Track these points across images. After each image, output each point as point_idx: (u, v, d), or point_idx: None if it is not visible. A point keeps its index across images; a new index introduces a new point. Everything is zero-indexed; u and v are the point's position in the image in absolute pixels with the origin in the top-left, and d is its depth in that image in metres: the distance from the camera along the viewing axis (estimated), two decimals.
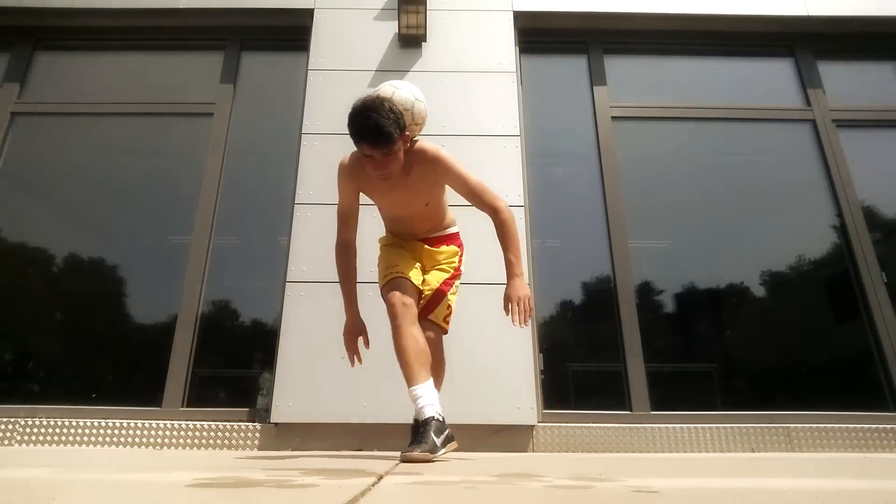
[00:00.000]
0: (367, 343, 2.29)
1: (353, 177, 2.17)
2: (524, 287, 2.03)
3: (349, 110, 1.99)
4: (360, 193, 2.23)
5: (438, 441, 1.82)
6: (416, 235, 2.34)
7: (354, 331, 2.27)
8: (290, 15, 4.08)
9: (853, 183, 3.81)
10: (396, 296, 2.05)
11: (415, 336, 2.00)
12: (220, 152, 3.81)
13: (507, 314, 2.02)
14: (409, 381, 1.96)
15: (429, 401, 1.91)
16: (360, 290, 2.33)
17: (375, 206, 2.41)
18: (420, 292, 2.14)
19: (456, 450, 1.94)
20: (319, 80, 3.80)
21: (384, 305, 2.16)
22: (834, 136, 3.96)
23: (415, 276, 2.16)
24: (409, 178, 2.12)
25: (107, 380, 3.45)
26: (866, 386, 3.40)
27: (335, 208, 2.31)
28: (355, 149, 2.07)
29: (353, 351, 2.27)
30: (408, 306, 2.04)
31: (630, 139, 3.97)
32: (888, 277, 3.56)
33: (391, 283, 2.09)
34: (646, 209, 3.80)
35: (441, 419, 1.88)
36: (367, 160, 2.02)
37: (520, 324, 1.99)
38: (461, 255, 2.42)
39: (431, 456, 1.78)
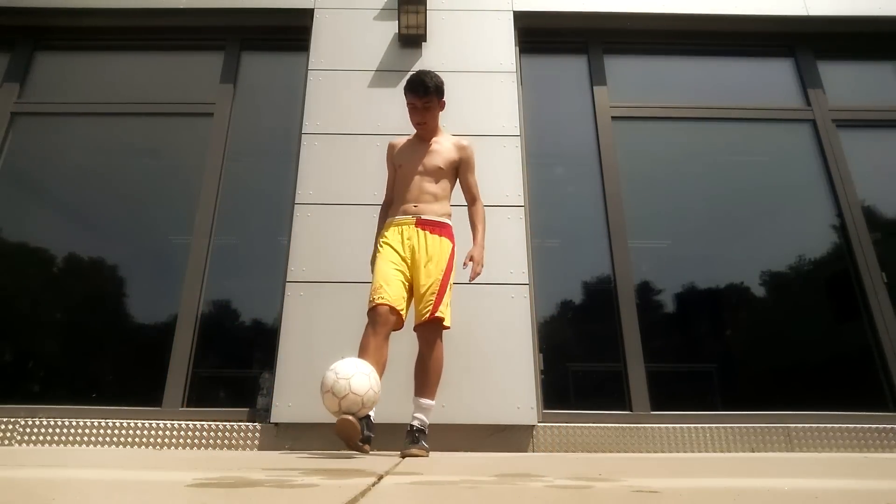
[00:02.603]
0: None
1: (392, 149, 2.82)
2: (483, 254, 2.72)
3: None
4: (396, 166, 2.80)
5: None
6: (419, 201, 2.66)
7: None
8: (290, 15, 4.08)
9: (853, 183, 3.81)
10: (374, 320, 2.41)
11: (378, 348, 2.37)
12: (220, 152, 3.81)
13: (464, 268, 2.66)
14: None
15: None
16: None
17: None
18: (399, 313, 2.46)
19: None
20: (319, 80, 3.80)
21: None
22: (834, 136, 3.96)
23: (398, 295, 2.47)
24: (438, 144, 2.75)
25: (107, 380, 3.45)
26: (866, 386, 3.40)
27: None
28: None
29: None
30: (382, 327, 2.40)
31: (630, 139, 3.97)
32: (888, 277, 3.56)
33: (376, 309, 2.42)
34: (646, 209, 3.80)
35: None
36: (411, 110, 2.72)
37: (469, 278, 2.64)
38: (453, 249, 2.66)
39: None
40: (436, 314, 2.46)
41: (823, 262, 3.77)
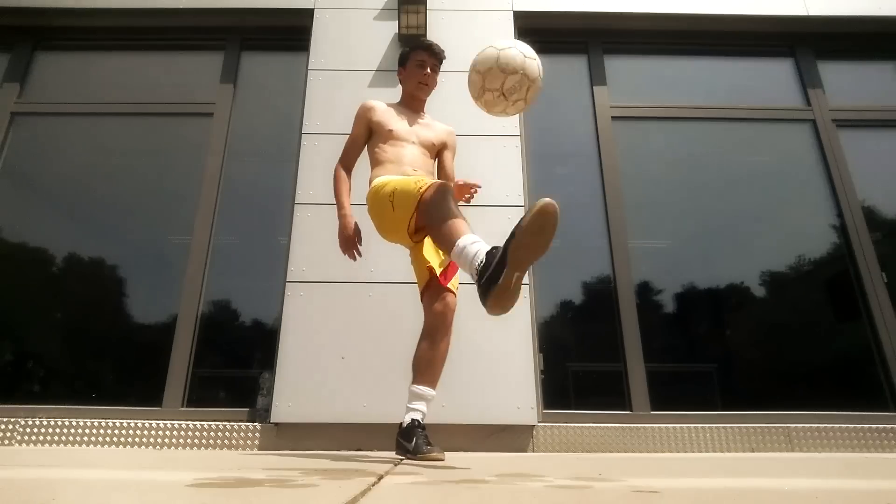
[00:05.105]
0: (359, 251, 2.50)
1: (371, 111, 2.54)
2: None
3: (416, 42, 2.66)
4: (371, 127, 2.55)
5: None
6: (420, 169, 2.48)
7: (356, 234, 2.48)
8: (290, 15, 4.08)
9: (853, 183, 3.81)
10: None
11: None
12: (220, 152, 3.81)
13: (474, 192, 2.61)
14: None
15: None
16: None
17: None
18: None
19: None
20: (319, 80, 3.80)
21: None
22: (834, 136, 3.96)
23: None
24: (430, 119, 2.67)
25: (107, 380, 3.45)
26: (866, 386, 3.40)
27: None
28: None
29: (354, 249, 2.49)
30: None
31: (630, 139, 3.97)
32: (888, 277, 3.56)
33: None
34: (646, 209, 3.80)
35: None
36: (418, 67, 2.57)
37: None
38: None
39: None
40: (448, 283, 2.32)
41: (823, 262, 3.77)
